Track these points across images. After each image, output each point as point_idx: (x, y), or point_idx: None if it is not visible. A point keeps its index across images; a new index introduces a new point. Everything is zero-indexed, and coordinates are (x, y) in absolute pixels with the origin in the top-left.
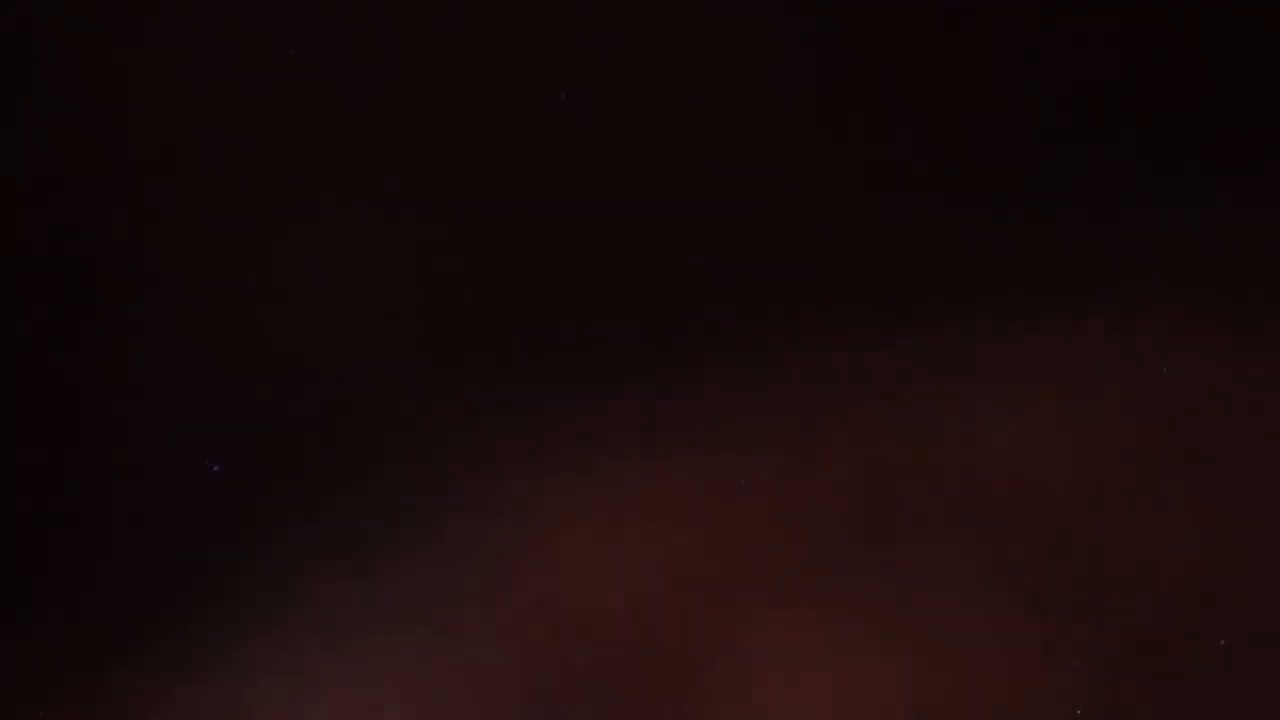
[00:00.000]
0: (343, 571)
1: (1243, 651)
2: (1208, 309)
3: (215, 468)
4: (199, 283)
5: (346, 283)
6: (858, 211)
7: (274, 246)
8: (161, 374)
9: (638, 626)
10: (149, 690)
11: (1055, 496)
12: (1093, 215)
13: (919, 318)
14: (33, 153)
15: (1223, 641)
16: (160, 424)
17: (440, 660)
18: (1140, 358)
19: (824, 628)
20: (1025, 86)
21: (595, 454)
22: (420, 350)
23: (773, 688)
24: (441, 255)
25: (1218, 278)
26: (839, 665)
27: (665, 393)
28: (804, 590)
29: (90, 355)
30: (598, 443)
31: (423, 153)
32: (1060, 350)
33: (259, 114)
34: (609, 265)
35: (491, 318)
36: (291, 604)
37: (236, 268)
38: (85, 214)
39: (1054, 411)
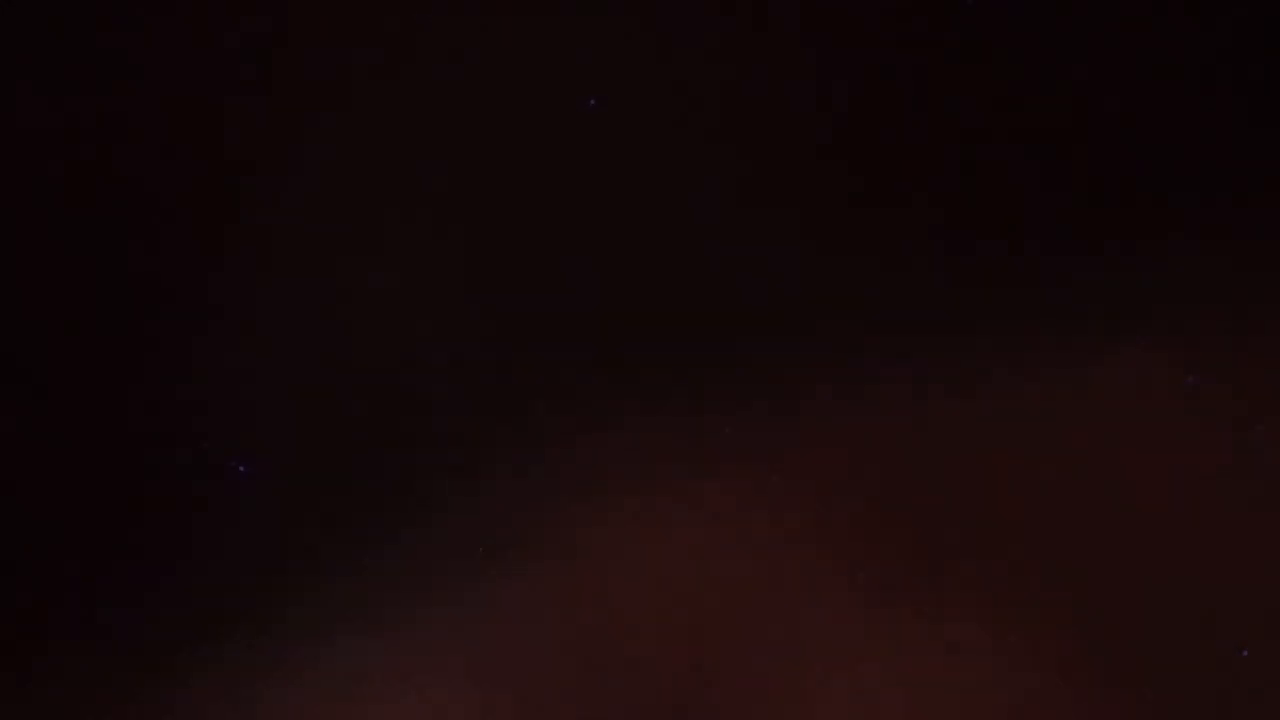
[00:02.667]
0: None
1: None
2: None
3: (241, 468)
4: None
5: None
6: (879, 258)
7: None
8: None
9: (688, 650)
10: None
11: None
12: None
13: (936, 350)
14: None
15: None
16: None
17: (484, 686)
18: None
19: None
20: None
21: (644, 485)
22: (467, 380)
23: (826, 702)
24: (486, 291)
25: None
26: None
27: (711, 425)
28: (846, 608)
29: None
30: (646, 475)
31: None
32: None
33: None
34: (658, 300)
35: (548, 353)
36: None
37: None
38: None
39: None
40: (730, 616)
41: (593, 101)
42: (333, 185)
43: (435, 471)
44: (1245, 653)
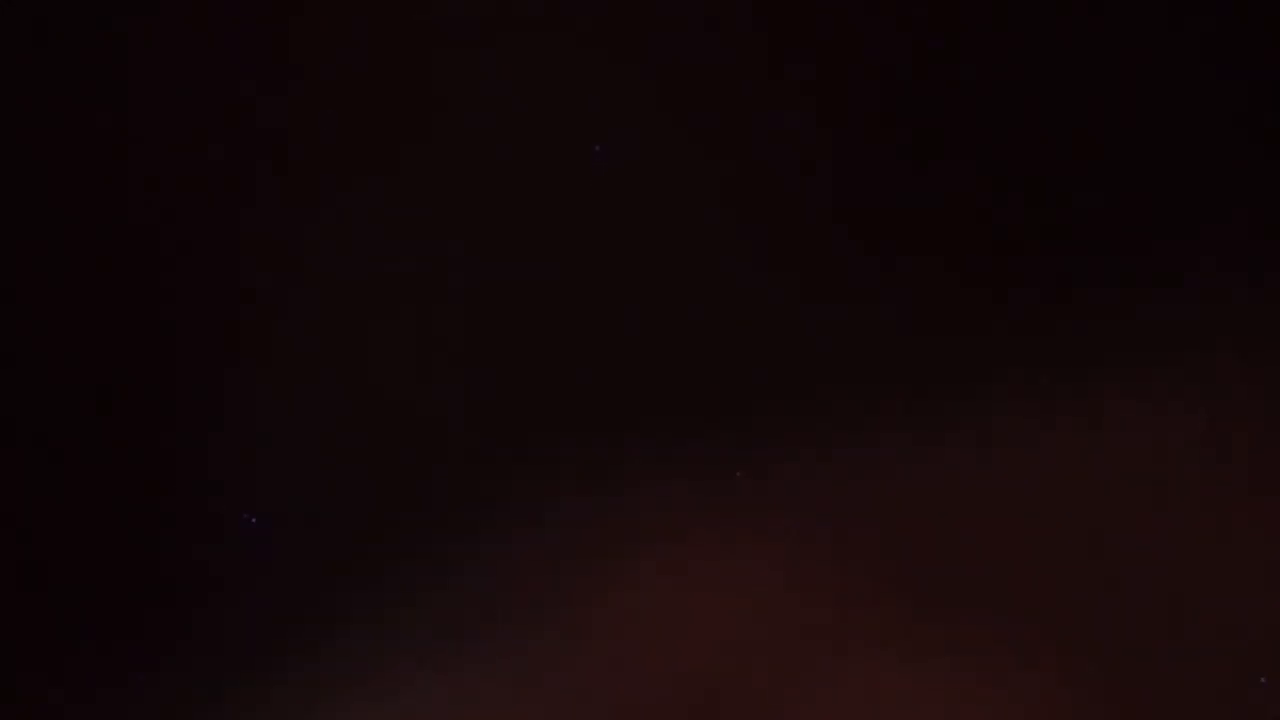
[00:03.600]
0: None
1: None
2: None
3: (252, 519)
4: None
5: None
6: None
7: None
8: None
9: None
10: None
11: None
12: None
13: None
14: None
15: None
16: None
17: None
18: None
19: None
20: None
21: (676, 537)
22: (499, 433)
23: None
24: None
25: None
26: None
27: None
28: (865, 643)
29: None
30: (680, 527)
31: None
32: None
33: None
34: (677, 363)
35: (565, 414)
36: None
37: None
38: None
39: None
40: (748, 678)
41: (598, 148)
42: (352, 249)
43: (448, 533)
44: None
